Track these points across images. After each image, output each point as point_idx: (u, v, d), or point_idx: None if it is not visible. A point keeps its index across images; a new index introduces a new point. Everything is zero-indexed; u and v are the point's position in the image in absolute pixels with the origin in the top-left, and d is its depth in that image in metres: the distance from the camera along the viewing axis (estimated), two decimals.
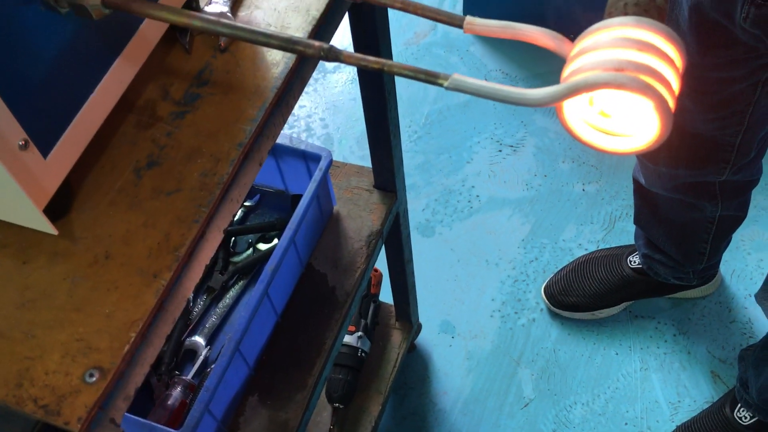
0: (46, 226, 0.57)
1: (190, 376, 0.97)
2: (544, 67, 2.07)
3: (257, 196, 1.14)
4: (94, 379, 0.52)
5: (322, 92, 2.11)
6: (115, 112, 0.64)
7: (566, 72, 0.45)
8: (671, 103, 0.43)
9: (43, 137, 0.55)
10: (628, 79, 0.41)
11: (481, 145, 1.96)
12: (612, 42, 0.43)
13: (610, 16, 0.46)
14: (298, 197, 1.05)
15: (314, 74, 2.15)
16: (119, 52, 0.61)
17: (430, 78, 0.46)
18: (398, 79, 2.11)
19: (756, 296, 1.20)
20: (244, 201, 1.13)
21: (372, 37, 0.85)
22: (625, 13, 0.45)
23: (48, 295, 0.56)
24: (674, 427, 1.51)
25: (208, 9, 0.71)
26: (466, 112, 2.02)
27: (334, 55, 0.48)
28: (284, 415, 0.96)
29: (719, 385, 1.57)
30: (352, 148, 1.98)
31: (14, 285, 0.57)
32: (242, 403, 0.97)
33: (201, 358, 0.99)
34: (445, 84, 0.46)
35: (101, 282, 0.57)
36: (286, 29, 0.70)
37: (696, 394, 1.57)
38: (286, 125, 2.04)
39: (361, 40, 0.87)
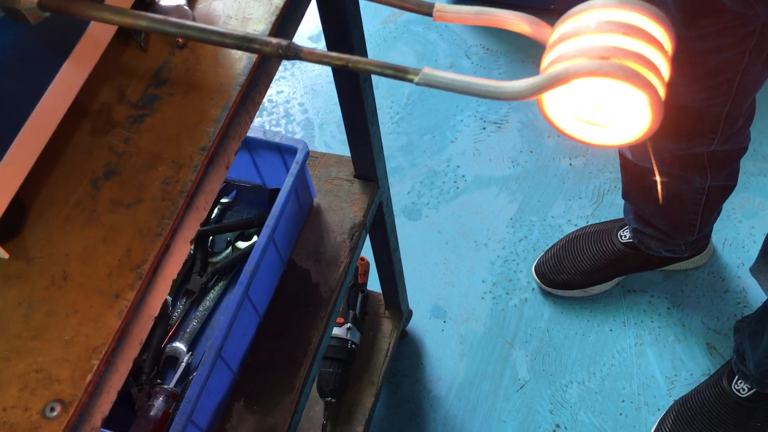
0: None
1: (172, 385, 0.93)
2: (526, 40, 2.02)
3: (234, 192, 1.10)
4: (55, 413, 0.49)
5: (300, 76, 2.06)
6: (68, 119, 0.60)
7: (546, 60, 0.41)
8: (662, 92, 0.39)
9: None
10: (614, 67, 0.38)
11: (465, 123, 1.92)
12: (595, 26, 0.39)
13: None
14: (276, 191, 1.01)
15: (290, 62, 2.09)
16: (67, 55, 0.57)
17: (398, 74, 0.42)
18: (380, 54, 2.06)
19: (751, 269, 1.17)
20: (221, 198, 1.09)
21: (342, 23, 0.80)
22: None
23: (2, 322, 0.53)
24: (671, 402, 1.49)
25: (163, 2, 0.67)
26: (446, 92, 1.97)
27: (294, 53, 0.44)
28: (272, 419, 0.93)
29: (715, 356, 1.56)
30: (333, 132, 1.94)
31: None
32: (228, 409, 0.94)
33: (183, 365, 0.95)
34: (416, 79, 0.42)
35: (59, 306, 0.53)
36: (247, 21, 0.66)
37: (692, 367, 1.55)
38: (264, 112, 1.99)
39: (331, 27, 0.82)
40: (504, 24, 0.44)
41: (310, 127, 1.96)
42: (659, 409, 1.50)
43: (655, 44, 0.39)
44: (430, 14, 0.45)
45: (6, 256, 0.54)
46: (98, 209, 0.57)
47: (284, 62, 2.09)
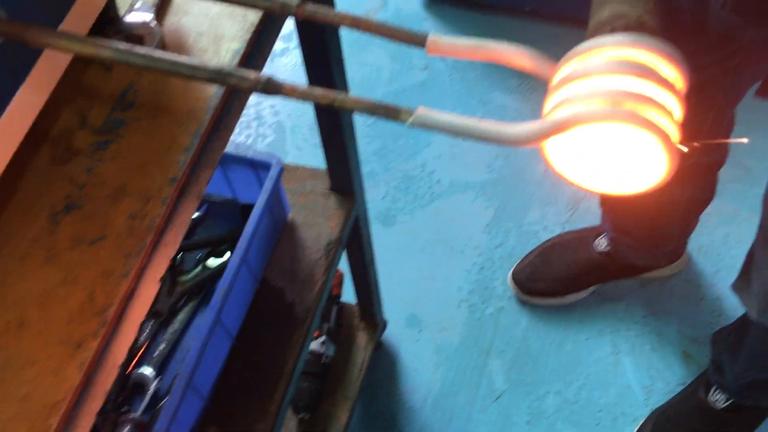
0: None
1: (139, 413, 0.89)
2: (501, 40, 1.99)
3: (205, 207, 1.05)
4: None
5: (271, 68, 2.00)
6: (25, 146, 0.55)
7: (549, 103, 0.38)
8: (676, 138, 0.36)
9: None
10: (627, 113, 0.34)
11: None
12: (605, 67, 0.36)
13: (594, 36, 0.38)
14: (249, 207, 0.97)
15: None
16: (22, 79, 0.52)
17: (390, 113, 0.38)
18: (350, 59, 2.02)
19: (732, 286, 1.16)
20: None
21: (321, 44, 0.76)
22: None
23: None
24: (648, 412, 1.48)
25: (128, 18, 0.62)
26: (422, 93, 1.94)
27: (275, 88, 0.40)
28: None
29: (691, 365, 1.55)
30: (305, 136, 1.89)
31: None
32: None
33: (150, 391, 0.90)
34: (409, 120, 0.39)
35: (15, 356, 0.49)
36: (220, 39, 0.61)
37: (669, 376, 1.54)
38: None
39: (309, 46, 0.78)
40: (503, 59, 0.40)
41: (281, 130, 1.91)
42: (636, 420, 1.49)
43: (669, 87, 0.36)
44: (423, 45, 0.42)
45: None
46: (58, 247, 0.53)
47: None
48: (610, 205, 1.45)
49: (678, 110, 0.37)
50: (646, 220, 1.41)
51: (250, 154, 0.94)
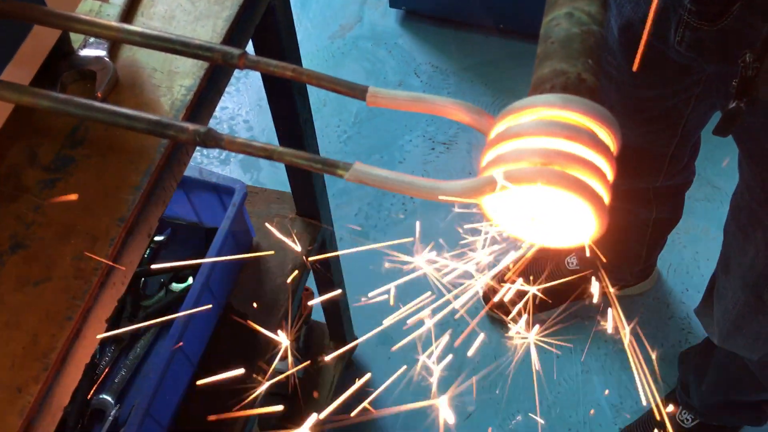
0: None
1: None
2: (475, 58, 2.01)
3: (168, 230, 1.04)
4: None
5: (245, 92, 2.00)
6: None
7: (486, 159, 0.38)
8: (606, 198, 0.37)
9: None
10: (555, 174, 0.35)
11: (413, 143, 1.89)
12: (537, 128, 0.36)
13: (535, 94, 0.39)
14: (214, 230, 0.96)
15: (236, 73, 2.03)
16: None
17: (327, 168, 0.39)
18: (328, 70, 2.03)
19: (695, 311, 1.17)
20: (154, 236, 1.04)
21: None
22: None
23: None
24: (617, 431, 1.49)
25: (83, 52, 0.62)
26: (396, 110, 1.94)
27: (214, 141, 0.40)
28: None
29: (660, 384, 1.56)
30: None
31: None
32: None
33: (110, 419, 0.90)
34: (346, 175, 0.39)
35: None
36: (174, 74, 0.61)
37: (637, 395, 1.55)
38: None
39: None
40: (441, 111, 0.41)
41: None
42: None
43: (599, 148, 0.36)
44: (363, 98, 0.42)
45: None
46: (1, 288, 0.52)
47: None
48: None
49: (608, 170, 0.37)
50: (614, 240, 1.41)
51: (214, 179, 0.94)
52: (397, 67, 2.02)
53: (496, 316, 1.61)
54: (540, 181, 0.35)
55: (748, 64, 0.61)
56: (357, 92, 0.41)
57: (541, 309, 1.61)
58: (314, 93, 1.93)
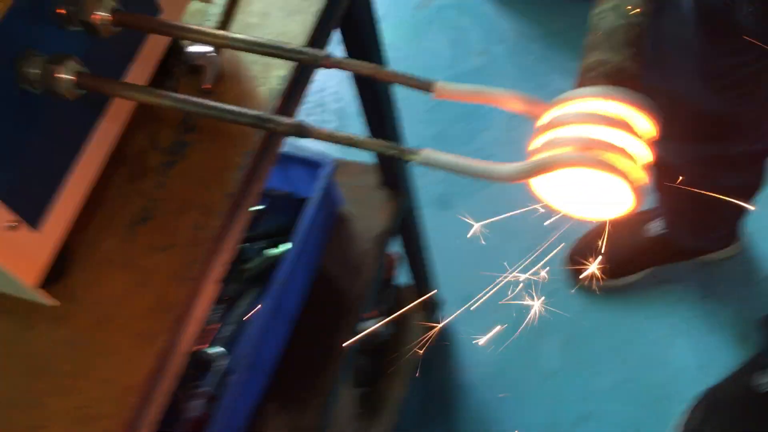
0: (43, 299, 0.58)
1: (211, 387, 1.00)
2: (560, 23, 2.01)
3: (266, 201, 1.14)
4: None
5: (326, 81, 2.08)
6: (108, 166, 0.65)
7: (534, 144, 0.44)
8: (641, 178, 0.42)
9: (33, 211, 0.56)
10: (594, 159, 0.41)
11: (497, 110, 1.91)
12: (580, 117, 0.42)
13: (582, 85, 0.44)
14: (306, 200, 1.06)
15: None
16: (101, 114, 0.61)
17: (400, 153, 0.46)
18: (411, 45, 2.08)
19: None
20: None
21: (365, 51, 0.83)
22: (595, 84, 0.44)
23: (51, 361, 0.58)
24: (702, 392, 1.51)
25: (191, 49, 0.71)
26: (480, 77, 1.98)
27: (305, 132, 0.48)
28: (304, 420, 0.99)
29: (747, 347, 1.56)
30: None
31: (19, 352, 0.59)
32: (262, 411, 1.00)
33: (220, 368, 1.01)
34: (417, 159, 0.46)
35: (102, 346, 0.59)
36: (269, 67, 0.69)
37: (724, 358, 1.56)
38: None
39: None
40: (500, 102, 0.47)
41: (344, 117, 1.99)
42: (689, 400, 1.52)
43: (635, 134, 0.42)
44: (431, 91, 0.48)
45: (57, 304, 0.59)
46: (135, 253, 0.62)
47: None
48: (664, 189, 1.47)
49: (645, 151, 0.42)
50: (699, 205, 1.43)
51: (306, 154, 1.02)
52: (482, 35, 2.05)
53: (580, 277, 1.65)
54: (580, 165, 0.41)
55: None
56: (426, 85, 0.47)
57: (625, 273, 1.63)
58: (401, 63, 1.99)
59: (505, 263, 1.77)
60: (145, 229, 0.64)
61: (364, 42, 0.82)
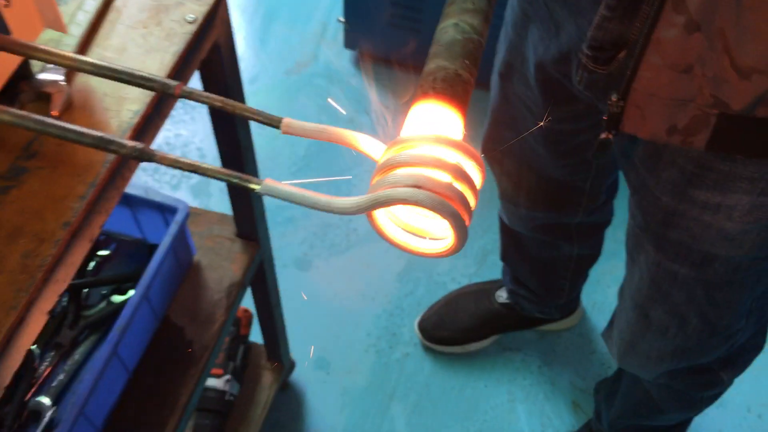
0: None
1: None
2: None
3: (113, 245, 1.11)
4: None
5: (200, 120, 2.07)
6: None
7: (374, 181, 0.47)
8: (466, 218, 0.45)
9: None
10: (424, 196, 0.44)
11: (360, 178, 1.98)
12: (412, 158, 0.45)
13: (422, 89, 0.49)
14: (156, 247, 1.03)
15: (192, 103, 2.10)
16: None
17: (243, 182, 0.47)
18: (282, 111, 2.11)
19: (603, 335, 1.27)
20: (98, 251, 1.10)
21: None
22: (434, 88, 0.48)
23: None
24: None
25: (41, 76, 0.69)
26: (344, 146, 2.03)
27: (148, 156, 0.48)
28: None
29: (580, 414, 1.65)
30: None
31: None
32: None
33: (46, 420, 0.94)
34: (258, 188, 0.47)
35: None
36: (123, 100, 0.69)
37: (558, 425, 1.64)
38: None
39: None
40: (343, 141, 0.49)
41: None
42: None
43: (461, 176, 0.45)
44: (278, 127, 0.50)
45: None
46: None
47: (184, 104, 2.10)
48: (509, 258, 1.56)
49: (470, 195, 0.46)
50: (539, 272, 1.52)
51: (158, 198, 1.01)
52: (349, 105, 2.12)
53: (429, 344, 1.69)
54: (410, 201, 0.43)
55: (614, 103, 0.73)
56: (274, 122, 0.49)
57: (471, 340, 1.69)
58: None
59: (359, 326, 1.80)
60: None
61: (225, 87, 0.84)
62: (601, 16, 0.72)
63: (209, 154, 2.01)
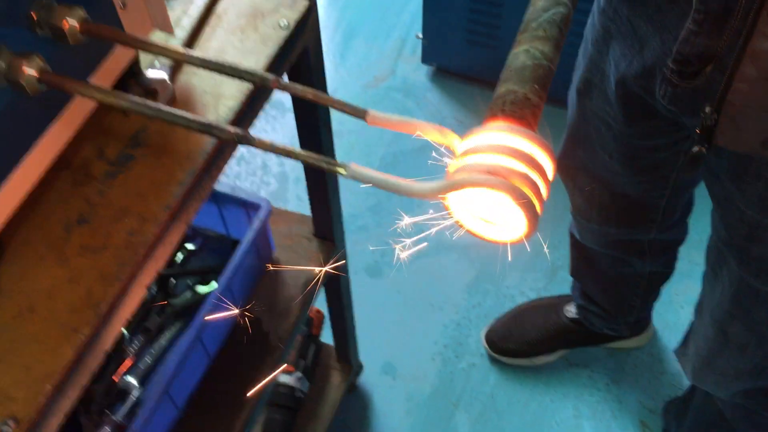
0: None
1: (120, 417, 0.99)
2: None
3: (199, 240, 1.17)
4: (8, 429, 0.55)
5: (281, 130, 2.16)
6: (52, 169, 0.68)
7: (451, 168, 0.50)
8: (537, 204, 0.48)
9: None
10: (498, 181, 0.47)
11: None
12: (488, 147, 0.49)
13: (491, 111, 0.52)
14: (239, 242, 1.09)
15: (274, 113, 2.20)
16: (55, 117, 0.65)
17: (330, 166, 0.51)
18: (358, 123, 2.18)
19: (675, 351, 1.26)
20: (186, 244, 1.17)
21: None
22: (503, 111, 0.51)
23: None
24: None
25: (148, 74, 0.76)
26: (420, 157, 2.07)
27: (247, 141, 0.53)
28: None
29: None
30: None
31: None
32: None
33: (132, 398, 1.01)
34: (345, 173, 0.51)
35: (23, 334, 0.60)
36: (220, 97, 0.75)
37: None
38: (242, 161, 2.08)
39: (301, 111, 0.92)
40: (423, 132, 0.53)
41: (284, 180, 2.05)
42: None
43: (534, 165, 0.48)
44: (364, 118, 0.54)
45: None
46: (68, 252, 0.65)
47: (267, 112, 2.19)
48: (579, 274, 1.56)
49: (541, 183, 0.49)
50: (610, 289, 1.52)
51: (243, 195, 1.07)
52: (424, 119, 2.16)
53: (496, 355, 1.70)
54: (484, 184, 0.47)
55: (707, 115, 0.73)
56: (360, 113, 0.53)
57: (539, 354, 1.70)
58: (344, 137, 2.08)
59: (427, 335, 1.82)
60: (80, 230, 0.66)
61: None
62: (688, 30, 0.74)
63: (287, 162, 2.08)
